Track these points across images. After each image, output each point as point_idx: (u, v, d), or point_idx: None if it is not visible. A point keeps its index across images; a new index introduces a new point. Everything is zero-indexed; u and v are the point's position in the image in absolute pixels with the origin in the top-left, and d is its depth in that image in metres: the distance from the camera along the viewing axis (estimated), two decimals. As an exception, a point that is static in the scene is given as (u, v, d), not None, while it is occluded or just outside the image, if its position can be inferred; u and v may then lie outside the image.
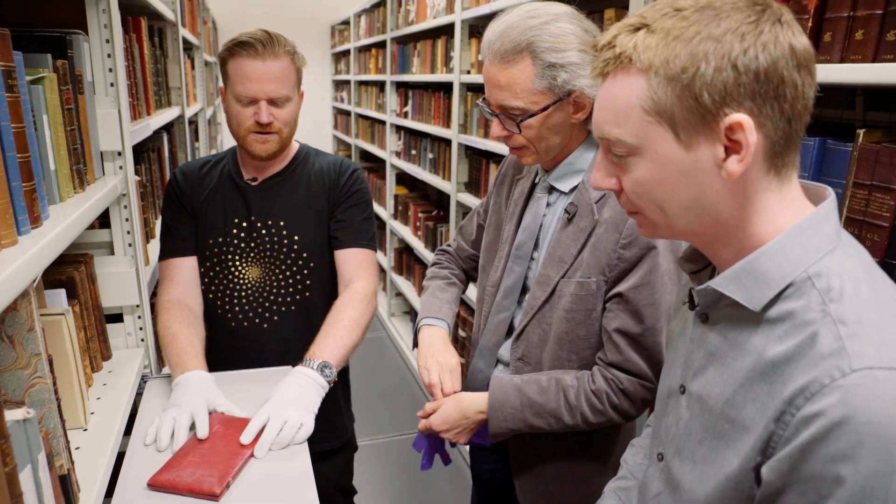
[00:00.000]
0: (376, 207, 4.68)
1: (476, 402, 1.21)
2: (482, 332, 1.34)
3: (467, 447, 1.31)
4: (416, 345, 1.37)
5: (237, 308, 1.51)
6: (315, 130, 7.03)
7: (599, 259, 1.13)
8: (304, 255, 1.50)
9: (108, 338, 1.40)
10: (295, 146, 1.56)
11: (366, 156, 5.65)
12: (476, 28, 2.77)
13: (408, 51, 3.85)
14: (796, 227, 0.66)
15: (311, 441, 1.19)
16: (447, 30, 3.10)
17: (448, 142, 3.10)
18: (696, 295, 0.73)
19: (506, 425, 1.18)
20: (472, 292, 2.49)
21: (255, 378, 1.42)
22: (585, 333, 1.17)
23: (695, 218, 0.68)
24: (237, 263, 1.50)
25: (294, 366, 1.31)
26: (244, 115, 1.40)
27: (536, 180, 1.27)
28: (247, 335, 1.52)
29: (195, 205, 1.51)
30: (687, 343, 0.78)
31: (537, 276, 1.21)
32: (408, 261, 4.08)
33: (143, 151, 1.92)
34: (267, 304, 1.51)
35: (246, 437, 1.14)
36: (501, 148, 2.35)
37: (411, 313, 4.18)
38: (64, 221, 0.92)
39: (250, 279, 1.50)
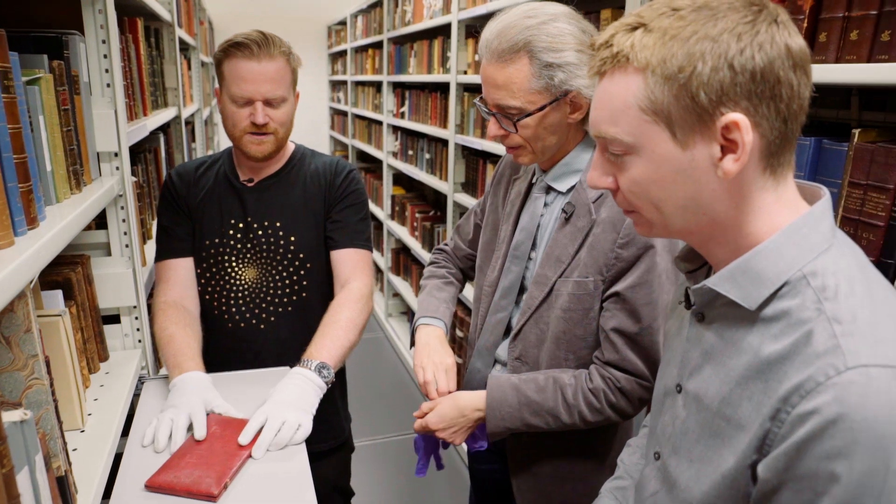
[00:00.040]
0: (373, 208, 4.68)
1: (473, 400, 1.21)
2: (479, 333, 1.34)
3: (466, 447, 1.31)
4: (413, 344, 1.37)
5: (234, 309, 1.51)
6: (312, 131, 7.03)
7: (597, 259, 1.13)
8: (301, 255, 1.50)
9: (105, 339, 1.40)
10: (290, 147, 1.56)
11: (363, 156, 5.65)
12: (472, 28, 2.77)
13: (404, 51, 3.85)
14: (791, 226, 0.66)
15: (308, 441, 1.19)
16: (444, 30, 3.10)
17: (445, 142, 3.10)
18: (693, 294, 0.74)
19: (503, 424, 1.18)
20: (468, 292, 2.49)
21: (252, 379, 1.42)
22: (583, 333, 1.17)
23: (691, 217, 0.69)
24: (234, 264, 1.50)
25: (291, 366, 1.31)
26: (240, 115, 1.40)
27: (534, 180, 1.27)
28: (244, 336, 1.52)
29: (191, 206, 1.50)
30: (683, 342, 0.78)
31: (535, 276, 1.21)
32: (405, 261, 4.08)
33: (140, 152, 1.92)
34: (264, 305, 1.51)
35: (244, 438, 1.14)
36: (498, 148, 2.35)
37: (408, 313, 4.18)
38: (60, 222, 0.92)
39: (247, 280, 1.50)
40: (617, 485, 1.02)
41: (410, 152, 3.83)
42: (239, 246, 1.49)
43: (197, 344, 1.39)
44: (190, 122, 3.23)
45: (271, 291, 1.51)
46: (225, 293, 1.51)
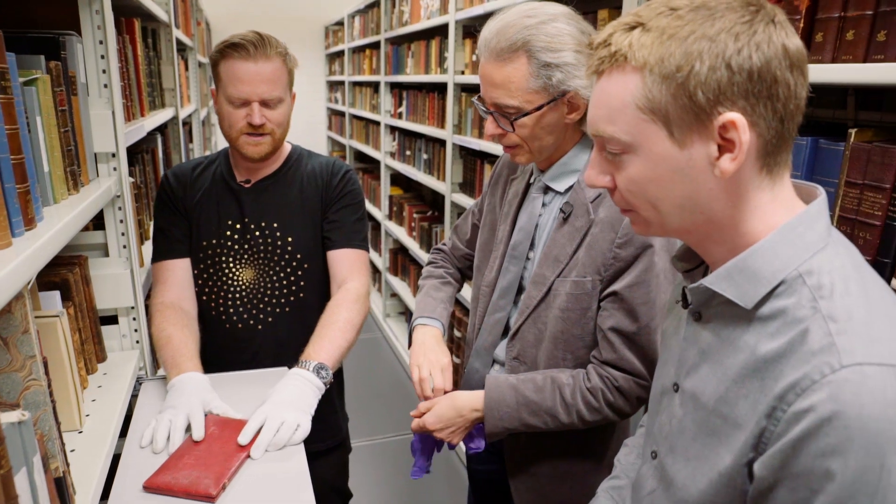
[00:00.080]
0: (371, 208, 4.68)
1: (471, 400, 1.21)
2: (477, 332, 1.34)
3: (464, 448, 1.31)
4: (411, 344, 1.37)
5: (231, 310, 1.51)
6: (309, 131, 7.02)
7: (595, 258, 1.13)
8: (298, 256, 1.50)
9: (103, 340, 1.40)
10: (287, 147, 1.56)
11: (360, 157, 5.64)
12: (470, 28, 2.78)
13: (402, 51, 3.85)
14: (787, 226, 0.67)
15: (306, 441, 1.19)
16: (441, 30, 3.10)
17: (442, 142, 3.10)
18: (689, 293, 0.74)
19: (502, 424, 1.18)
20: (466, 292, 2.49)
21: (250, 379, 1.42)
22: (580, 332, 1.17)
23: (688, 216, 0.69)
24: (231, 265, 1.50)
25: (289, 367, 1.31)
26: (236, 116, 1.40)
27: (531, 180, 1.28)
28: (241, 336, 1.52)
29: (188, 207, 1.50)
30: (680, 341, 0.79)
31: (533, 276, 1.21)
32: (403, 261, 4.08)
33: (137, 153, 1.92)
34: (261, 306, 1.51)
35: (243, 439, 1.13)
36: (496, 148, 2.35)
37: (406, 314, 4.18)
38: (58, 223, 0.92)
39: (244, 281, 1.50)
40: (613, 484, 1.02)
41: (408, 152, 3.83)
42: (236, 247, 1.49)
43: (195, 344, 1.39)
44: (187, 123, 3.23)
45: (269, 292, 1.51)
46: (222, 294, 1.51)
